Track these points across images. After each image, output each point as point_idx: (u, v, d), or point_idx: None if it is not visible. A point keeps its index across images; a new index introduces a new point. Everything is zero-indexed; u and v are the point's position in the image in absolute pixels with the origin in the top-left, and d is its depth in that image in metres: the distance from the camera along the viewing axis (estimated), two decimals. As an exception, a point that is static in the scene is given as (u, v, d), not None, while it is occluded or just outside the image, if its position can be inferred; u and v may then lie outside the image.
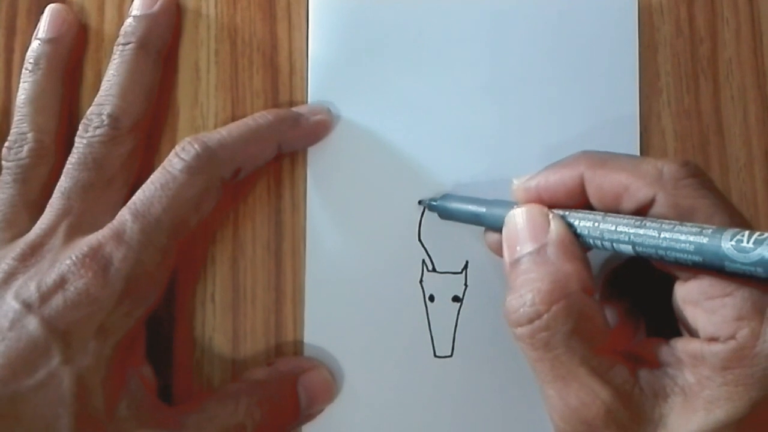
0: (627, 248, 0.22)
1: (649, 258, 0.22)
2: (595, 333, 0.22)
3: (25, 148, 0.27)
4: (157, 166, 0.26)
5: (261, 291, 0.29)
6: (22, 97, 0.28)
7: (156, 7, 0.28)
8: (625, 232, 0.22)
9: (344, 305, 0.28)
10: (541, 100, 0.29)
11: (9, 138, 0.27)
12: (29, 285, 0.24)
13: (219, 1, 0.30)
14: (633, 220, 0.22)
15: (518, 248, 0.23)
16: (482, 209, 0.26)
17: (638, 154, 0.29)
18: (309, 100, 0.29)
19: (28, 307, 0.23)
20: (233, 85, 0.29)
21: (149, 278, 0.24)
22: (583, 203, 0.24)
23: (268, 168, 0.29)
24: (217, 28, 0.30)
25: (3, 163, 0.27)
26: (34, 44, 0.28)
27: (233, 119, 0.28)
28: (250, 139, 0.26)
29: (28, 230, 0.26)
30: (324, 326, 0.28)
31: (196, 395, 0.28)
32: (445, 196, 0.28)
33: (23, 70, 0.28)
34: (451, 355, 0.28)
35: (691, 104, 0.29)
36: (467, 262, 0.29)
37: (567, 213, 0.23)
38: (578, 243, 0.23)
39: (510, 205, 0.24)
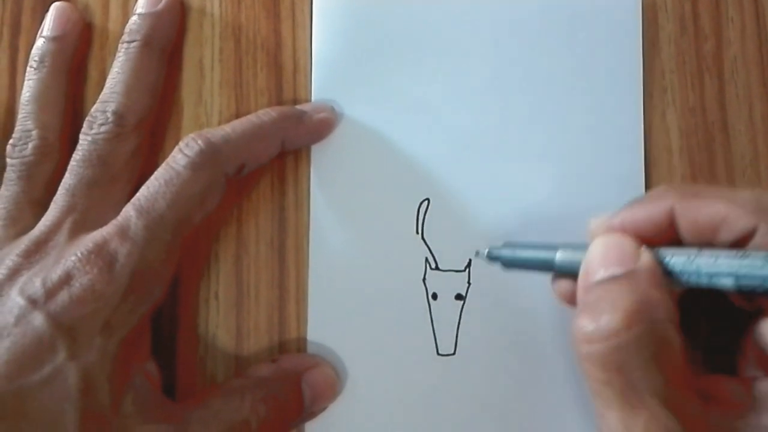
0: (728, 281, 0.21)
1: (751, 292, 0.21)
2: (674, 365, 0.21)
3: (30, 145, 0.27)
4: (161, 163, 0.26)
5: (264, 288, 0.29)
6: (27, 94, 0.28)
7: (160, 5, 0.28)
8: (728, 264, 0.21)
9: (347, 303, 0.28)
10: (545, 98, 0.29)
11: (14, 135, 0.27)
12: (34, 281, 0.24)
13: (223, 0, 0.30)
14: (735, 252, 0.21)
15: (601, 270, 0.21)
16: (554, 254, 0.24)
17: (642, 152, 0.29)
18: (313, 98, 0.29)
19: (33, 303, 0.23)
20: (237, 82, 0.29)
21: (154, 274, 0.24)
22: (668, 239, 0.23)
23: (271, 165, 0.29)
24: (222, 26, 0.30)
25: (7, 160, 0.27)
26: (39, 42, 0.28)
27: (237, 117, 0.28)
28: (253, 135, 0.26)
29: (32, 227, 0.26)
30: (327, 323, 0.28)
31: (201, 391, 0.28)
32: (507, 244, 0.26)
33: (28, 68, 0.28)
34: (453, 354, 0.28)
35: (695, 102, 0.29)
36: (470, 260, 0.29)
37: (657, 249, 0.22)
38: (667, 278, 0.22)
39: (584, 247, 0.23)
